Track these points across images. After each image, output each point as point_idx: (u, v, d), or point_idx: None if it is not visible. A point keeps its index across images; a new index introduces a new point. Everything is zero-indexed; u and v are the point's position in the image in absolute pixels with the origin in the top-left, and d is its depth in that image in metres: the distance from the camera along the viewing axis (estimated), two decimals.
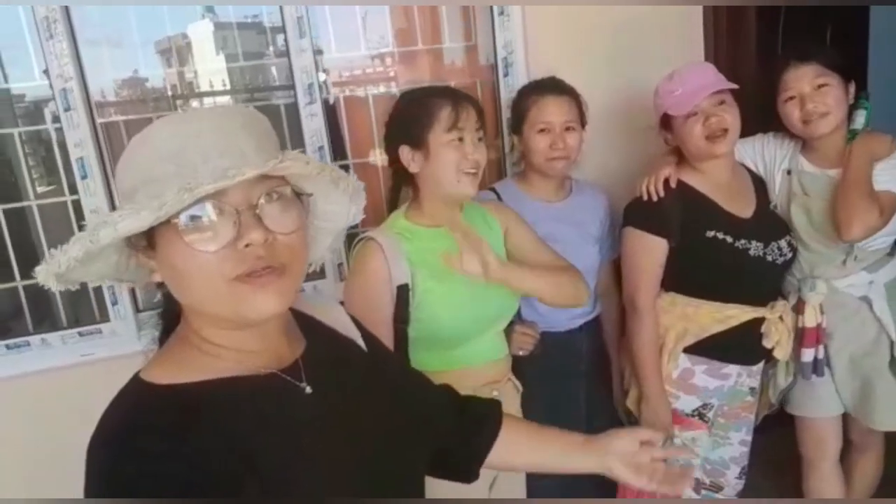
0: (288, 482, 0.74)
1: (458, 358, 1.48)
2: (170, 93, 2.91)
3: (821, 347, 1.82)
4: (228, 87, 3.07)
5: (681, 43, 2.31)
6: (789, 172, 1.83)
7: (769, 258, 1.77)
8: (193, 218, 0.71)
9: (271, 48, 3.02)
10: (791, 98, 1.73)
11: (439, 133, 1.44)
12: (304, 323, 0.92)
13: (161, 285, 0.80)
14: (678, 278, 1.81)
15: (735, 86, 1.73)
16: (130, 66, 2.63)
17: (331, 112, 2.37)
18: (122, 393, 0.76)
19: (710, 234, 1.75)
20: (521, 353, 1.71)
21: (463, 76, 2.51)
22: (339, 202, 0.88)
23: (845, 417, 1.93)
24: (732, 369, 1.85)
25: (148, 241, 0.75)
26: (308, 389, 0.82)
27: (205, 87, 2.98)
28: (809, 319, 1.80)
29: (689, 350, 1.82)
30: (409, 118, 1.48)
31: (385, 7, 2.43)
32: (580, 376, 1.96)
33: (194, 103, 2.93)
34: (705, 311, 1.79)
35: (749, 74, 1.91)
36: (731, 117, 1.70)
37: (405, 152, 1.48)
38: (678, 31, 2.32)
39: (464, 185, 1.45)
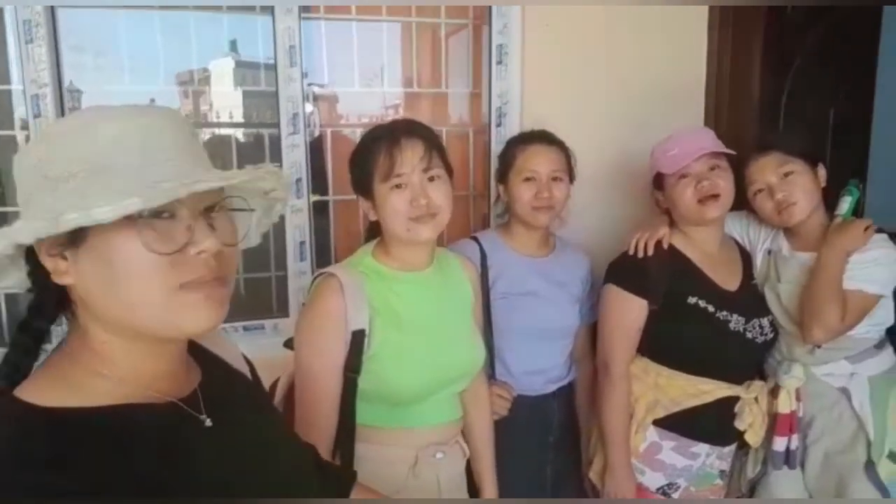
0: None
1: (406, 416, 1.36)
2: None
3: (794, 437, 1.73)
4: (241, 119, 3.19)
5: (681, 108, 2.28)
6: (770, 252, 1.81)
7: (749, 335, 1.72)
8: (153, 217, 0.66)
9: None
10: (760, 190, 1.72)
11: (378, 183, 1.33)
12: (196, 351, 0.86)
13: (45, 293, 0.72)
14: (654, 344, 1.74)
15: (731, 152, 1.71)
16: (147, 95, 2.64)
17: (317, 146, 2.30)
18: None
19: (693, 300, 1.69)
20: (495, 416, 1.64)
21: (458, 124, 2.46)
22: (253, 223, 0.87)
23: None
24: (702, 448, 1.76)
25: (71, 236, 0.67)
26: (208, 422, 0.77)
27: (223, 118, 3.02)
28: (783, 405, 1.72)
29: (658, 423, 1.73)
30: (357, 167, 1.39)
31: (382, 44, 2.40)
32: (549, 444, 1.85)
33: (205, 133, 2.95)
34: (678, 384, 1.72)
35: (750, 144, 1.86)
36: (723, 182, 1.67)
37: (363, 203, 1.40)
38: (680, 97, 2.29)
39: (414, 232, 1.32)
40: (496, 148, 2.15)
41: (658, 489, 1.76)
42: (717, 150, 1.68)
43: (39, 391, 0.68)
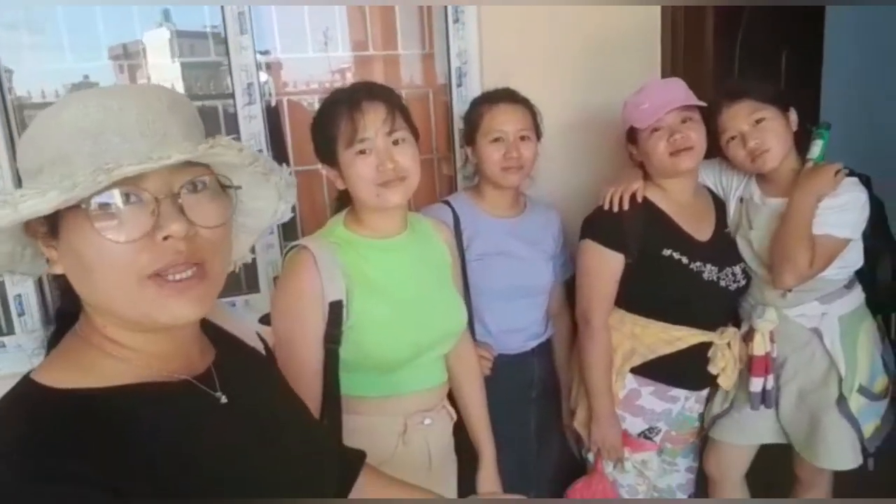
0: (205, 494, 0.68)
1: (392, 384, 1.35)
2: None
3: (770, 378, 1.78)
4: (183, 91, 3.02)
5: (638, 60, 2.27)
6: (741, 200, 1.82)
7: (722, 283, 1.74)
8: (106, 203, 0.64)
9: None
10: (732, 138, 1.71)
11: (342, 149, 1.30)
12: (210, 329, 0.85)
13: (59, 278, 0.72)
14: (629, 296, 1.77)
15: (702, 103, 1.70)
16: (81, 72, 2.51)
17: (273, 116, 2.24)
18: (13, 398, 0.67)
19: (667, 252, 1.71)
20: None
21: (416, 85, 2.42)
22: (266, 198, 0.82)
23: (792, 453, 1.87)
24: (680, 393, 1.81)
25: (50, 227, 0.68)
26: (223, 399, 0.77)
27: None
28: (758, 347, 1.76)
29: (636, 371, 1.77)
30: (319, 135, 1.35)
31: (334, 8, 2.33)
32: (531, 399, 1.89)
33: None
34: (653, 332, 1.75)
35: (707, 93, 1.86)
36: (696, 134, 1.67)
37: (328, 171, 1.36)
38: (636, 48, 2.28)
39: (384, 198, 1.30)
40: (458, 109, 2.12)
41: (639, 434, 1.80)
42: (688, 102, 1.68)
43: (53, 373, 0.68)
